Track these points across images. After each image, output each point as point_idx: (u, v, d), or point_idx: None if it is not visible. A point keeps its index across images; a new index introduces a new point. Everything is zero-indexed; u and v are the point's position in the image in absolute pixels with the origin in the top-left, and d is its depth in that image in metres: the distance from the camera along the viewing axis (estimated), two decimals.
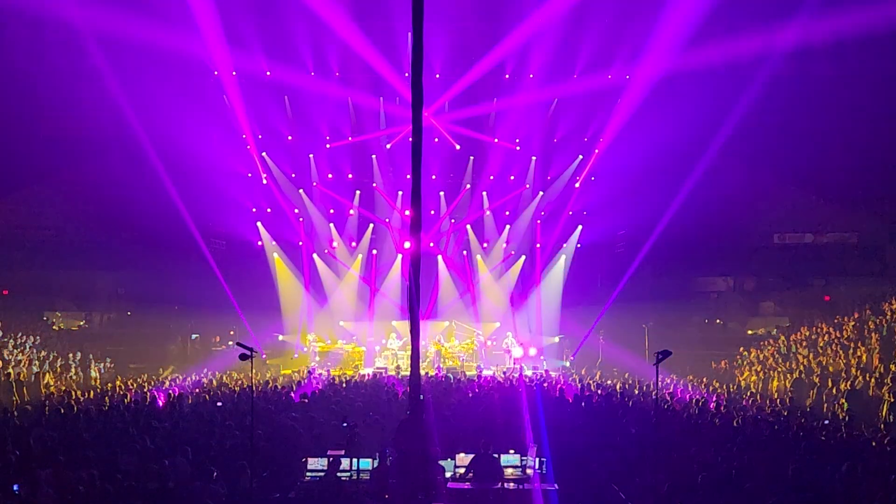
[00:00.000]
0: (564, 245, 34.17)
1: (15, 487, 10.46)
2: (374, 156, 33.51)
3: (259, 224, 33.56)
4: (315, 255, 33.86)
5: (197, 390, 21.96)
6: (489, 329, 32.72)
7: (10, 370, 23.13)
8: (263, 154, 32.73)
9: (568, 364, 30.85)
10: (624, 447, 14.14)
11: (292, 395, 20.40)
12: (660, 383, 12.43)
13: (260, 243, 33.91)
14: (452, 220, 34.51)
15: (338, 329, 32.71)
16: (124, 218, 32.15)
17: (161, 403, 18.66)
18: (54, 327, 31.90)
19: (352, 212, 34.35)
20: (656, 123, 30.05)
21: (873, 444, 14.09)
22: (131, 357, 28.99)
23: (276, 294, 33.00)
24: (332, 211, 34.45)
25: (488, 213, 34.10)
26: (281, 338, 32.32)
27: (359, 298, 33.81)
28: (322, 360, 30.42)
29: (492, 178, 33.92)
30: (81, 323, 33.48)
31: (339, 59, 31.41)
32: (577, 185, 33.34)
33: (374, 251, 34.32)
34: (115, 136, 30.75)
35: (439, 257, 33.65)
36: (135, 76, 29.38)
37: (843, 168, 30.79)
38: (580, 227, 33.72)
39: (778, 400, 20.66)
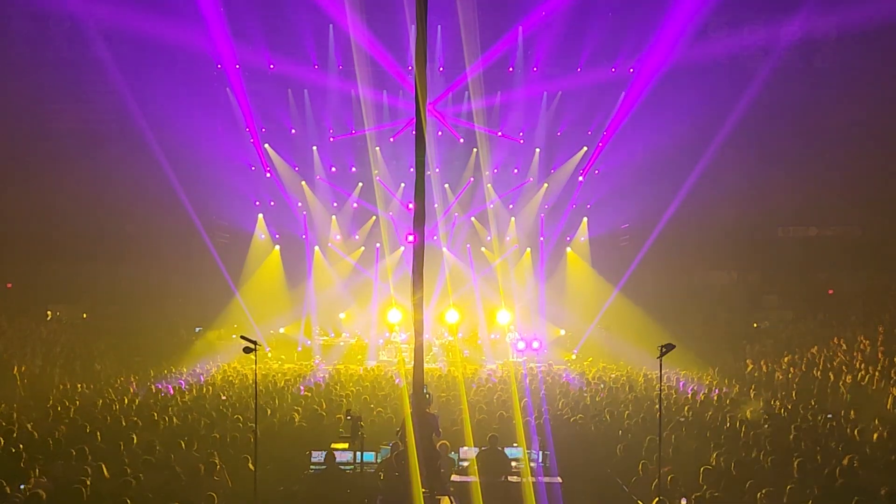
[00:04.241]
0: (569, 239, 34.25)
1: (21, 486, 10.49)
2: (377, 147, 33.49)
3: (261, 216, 33.67)
4: (317, 248, 33.88)
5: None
6: (494, 323, 32.70)
7: (15, 364, 23.15)
8: (266, 146, 32.75)
9: (572, 357, 30.83)
10: (627, 440, 14.16)
11: (297, 388, 20.44)
12: (663, 376, 12.42)
13: (263, 237, 34.06)
14: (456, 214, 34.51)
15: (340, 322, 32.71)
16: (128, 211, 32.16)
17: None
18: (58, 321, 31.90)
19: (354, 205, 34.39)
20: (660, 117, 30.05)
21: (878, 437, 14.09)
22: (135, 350, 28.99)
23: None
24: (335, 204, 34.50)
25: (493, 205, 34.08)
26: (283, 331, 32.33)
27: (362, 291, 33.80)
28: (326, 353, 30.43)
29: (496, 170, 33.93)
30: (85, 316, 33.49)
31: (342, 52, 31.39)
32: (580, 178, 33.32)
33: (378, 244, 34.33)
34: (119, 129, 30.77)
35: (444, 249, 33.65)
36: (139, 69, 29.41)
37: (847, 161, 30.70)
38: (586, 220, 33.77)
39: (782, 393, 20.62)
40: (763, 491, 10.58)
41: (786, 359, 24.95)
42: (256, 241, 34.08)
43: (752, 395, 19.42)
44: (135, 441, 13.01)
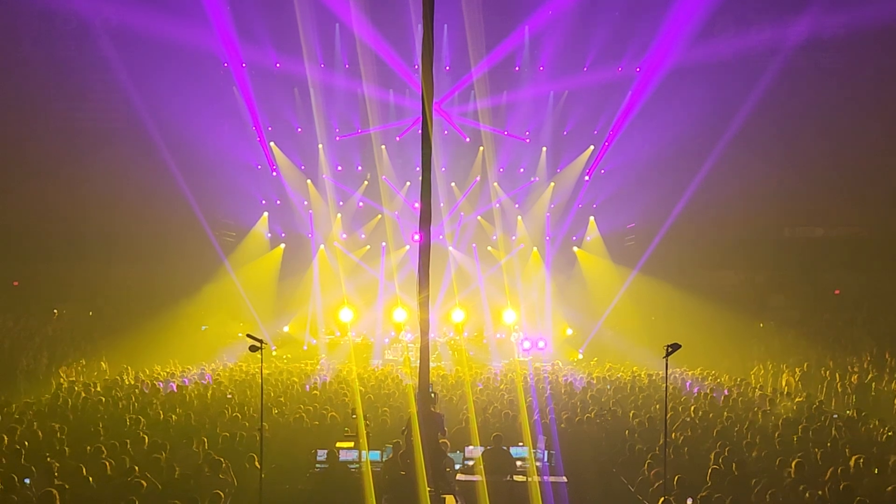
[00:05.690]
0: (576, 238, 34.29)
1: (26, 480, 10.51)
2: (383, 146, 33.50)
3: (265, 214, 33.77)
4: (322, 247, 33.92)
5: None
6: (499, 322, 32.68)
7: (22, 361, 23.21)
8: (272, 145, 32.81)
9: (578, 357, 30.81)
10: (632, 440, 14.15)
11: (302, 386, 20.47)
12: (669, 376, 12.38)
13: (269, 235, 34.16)
14: (462, 213, 34.54)
15: (345, 321, 32.69)
16: (134, 210, 32.21)
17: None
18: (64, 319, 31.93)
19: (360, 203, 34.45)
20: (666, 116, 30.00)
21: (883, 438, 14.06)
22: (141, 349, 29.06)
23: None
24: (340, 203, 34.54)
25: (499, 204, 34.09)
26: (287, 329, 32.31)
27: (367, 290, 33.80)
28: (331, 352, 30.42)
29: (502, 170, 33.95)
30: (91, 314, 33.54)
31: (348, 51, 31.43)
32: (586, 178, 33.33)
33: (383, 243, 34.35)
34: (126, 128, 30.84)
35: (450, 248, 33.68)
36: (145, 68, 29.46)
37: (854, 161, 30.64)
38: (592, 219, 33.80)
39: (787, 394, 20.59)
40: (761, 490, 10.58)
41: (792, 359, 24.94)
42: (253, 236, 34.06)
43: (759, 395, 19.35)
44: (141, 439, 13.03)
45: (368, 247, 34.69)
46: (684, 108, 29.48)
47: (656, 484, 11.62)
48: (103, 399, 17.21)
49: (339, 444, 13.12)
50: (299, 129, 33.35)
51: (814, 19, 27.73)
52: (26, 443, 12.28)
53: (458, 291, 32.96)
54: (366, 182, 34.17)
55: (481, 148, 33.60)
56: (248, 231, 33.95)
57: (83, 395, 17.73)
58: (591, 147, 32.96)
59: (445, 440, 13.06)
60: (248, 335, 11.95)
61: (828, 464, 12.05)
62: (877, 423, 15.14)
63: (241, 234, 34.01)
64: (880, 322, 26.96)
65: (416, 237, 27.94)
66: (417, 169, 31.00)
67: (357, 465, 12.65)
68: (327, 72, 31.58)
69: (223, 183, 31.74)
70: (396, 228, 34.29)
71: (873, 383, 20.92)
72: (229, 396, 18.40)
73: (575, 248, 34.56)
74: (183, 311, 31.28)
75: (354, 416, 13.94)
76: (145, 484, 10.45)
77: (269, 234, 34.61)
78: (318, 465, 12.92)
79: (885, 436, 14.19)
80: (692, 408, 17.15)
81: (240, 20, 29.34)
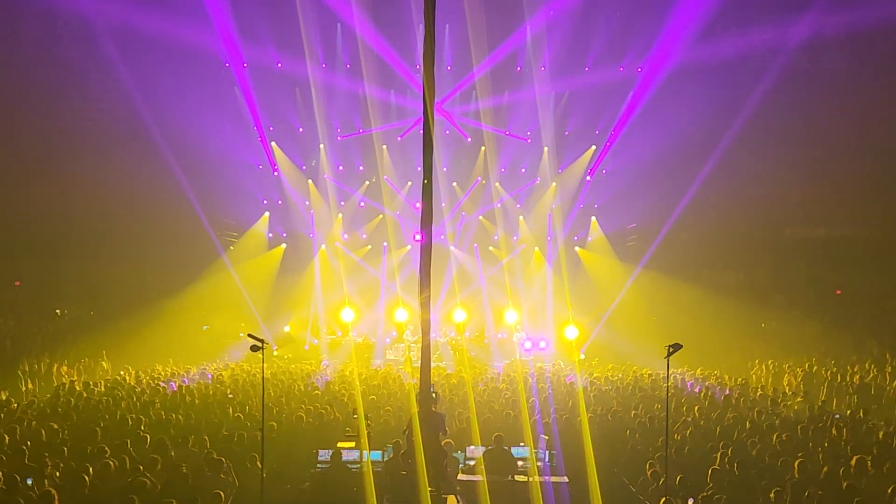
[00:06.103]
0: (577, 238, 34.28)
1: (28, 481, 10.51)
2: (384, 146, 33.52)
3: (266, 214, 33.80)
4: (323, 247, 33.92)
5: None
6: (501, 322, 32.67)
7: (24, 361, 23.21)
8: (273, 145, 32.82)
9: (580, 357, 30.77)
10: (633, 440, 14.14)
11: (306, 385, 20.47)
12: (671, 376, 12.38)
13: (271, 235, 34.20)
14: (464, 213, 34.54)
15: (346, 321, 32.68)
16: (135, 209, 32.23)
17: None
18: (66, 319, 31.95)
19: (361, 203, 34.47)
20: (668, 116, 30.01)
21: (882, 436, 14.06)
22: (142, 348, 29.07)
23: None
24: (342, 203, 34.56)
25: (500, 204, 34.10)
26: (287, 329, 32.30)
27: (369, 290, 33.80)
28: (333, 352, 30.42)
29: (503, 170, 33.95)
30: (92, 314, 33.56)
31: (350, 50, 31.45)
32: (588, 178, 33.32)
33: (385, 243, 34.37)
34: (127, 128, 30.86)
35: (452, 248, 33.68)
36: (147, 68, 29.50)
37: (855, 161, 30.61)
38: (594, 219, 33.81)
39: (789, 393, 20.58)
40: (763, 490, 10.57)
41: (793, 359, 24.91)
42: (251, 236, 34.08)
43: (760, 395, 19.34)
44: (143, 439, 13.03)
45: (370, 247, 34.69)
46: (686, 108, 29.49)
47: (657, 484, 11.62)
48: (104, 399, 17.22)
49: (340, 444, 13.11)
50: (301, 129, 33.39)
51: (815, 20, 27.73)
52: (28, 442, 12.29)
53: (460, 291, 32.94)
54: (367, 182, 34.18)
55: (483, 148, 33.62)
56: (248, 231, 34.00)
57: (84, 394, 17.73)
58: (593, 147, 32.97)
59: (449, 440, 13.06)
60: (250, 335, 11.93)
61: (830, 464, 12.04)
62: (880, 423, 15.14)
63: (242, 234, 34.06)
64: (882, 322, 26.91)
65: (418, 237, 27.96)
66: (419, 169, 30.96)
67: (358, 466, 12.64)
68: (329, 72, 31.60)
69: (224, 183, 31.75)
70: (398, 228, 34.30)
71: (873, 384, 20.91)
72: (230, 396, 18.40)
73: (577, 248, 34.55)
74: (181, 304, 31.24)
75: (356, 416, 13.95)
76: (149, 484, 10.46)
77: (271, 234, 34.64)
78: (319, 465, 12.91)
79: (883, 432, 14.19)
80: (696, 408, 17.15)
81: (241, 20, 29.35)
